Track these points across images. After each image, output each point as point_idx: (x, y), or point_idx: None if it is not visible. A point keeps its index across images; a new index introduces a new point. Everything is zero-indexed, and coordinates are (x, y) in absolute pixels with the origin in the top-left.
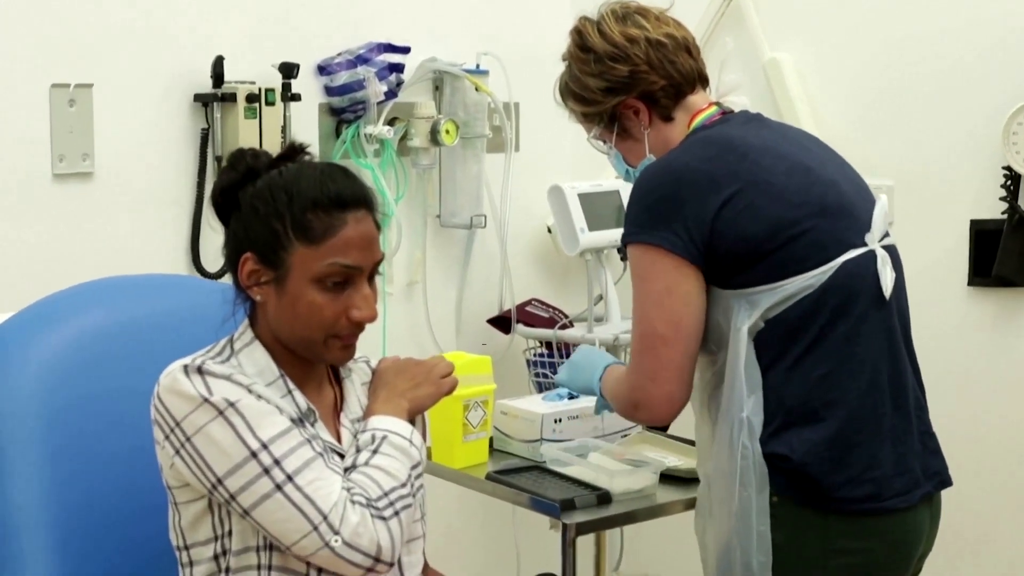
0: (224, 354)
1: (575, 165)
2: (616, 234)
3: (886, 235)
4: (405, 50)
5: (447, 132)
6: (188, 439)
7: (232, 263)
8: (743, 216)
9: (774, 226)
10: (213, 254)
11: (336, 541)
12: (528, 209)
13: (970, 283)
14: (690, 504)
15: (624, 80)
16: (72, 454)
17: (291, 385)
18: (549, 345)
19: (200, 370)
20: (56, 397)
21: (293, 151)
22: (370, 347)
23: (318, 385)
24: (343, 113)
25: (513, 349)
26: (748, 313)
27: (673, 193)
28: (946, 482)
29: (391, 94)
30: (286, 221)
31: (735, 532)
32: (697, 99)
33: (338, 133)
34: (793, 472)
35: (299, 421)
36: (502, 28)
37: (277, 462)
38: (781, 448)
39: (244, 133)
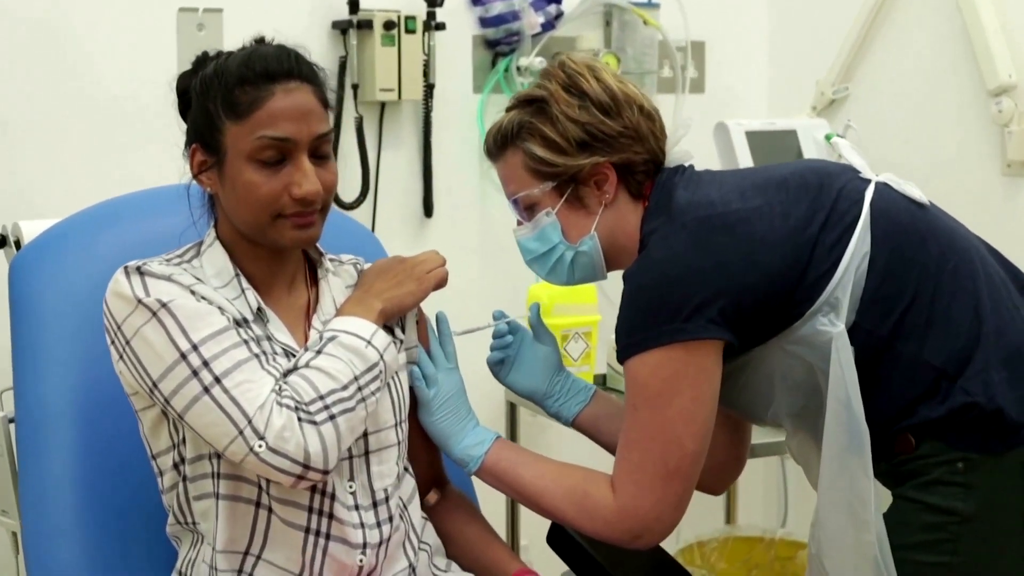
0: (187, 256)
1: (772, 106)
2: None
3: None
4: None
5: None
6: (127, 342)
7: (189, 159)
8: (760, 258)
9: (792, 235)
10: (348, 182)
11: (260, 446)
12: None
13: None
14: None
15: (608, 139)
16: (107, 357)
17: (245, 284)
18: None
19: (140, 270)
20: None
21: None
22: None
23: (289, 286)
24: (497, 45)
25: None
26: (836, 315)
27: (688, 285)
28: None
29: (548, 26)
30: (217, 101)
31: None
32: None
33: (493, 65)
34: (985, 417)
35: (244, 321)
36: None
37: (206, 363)
38: (959, 399)
39: (381, 61)
